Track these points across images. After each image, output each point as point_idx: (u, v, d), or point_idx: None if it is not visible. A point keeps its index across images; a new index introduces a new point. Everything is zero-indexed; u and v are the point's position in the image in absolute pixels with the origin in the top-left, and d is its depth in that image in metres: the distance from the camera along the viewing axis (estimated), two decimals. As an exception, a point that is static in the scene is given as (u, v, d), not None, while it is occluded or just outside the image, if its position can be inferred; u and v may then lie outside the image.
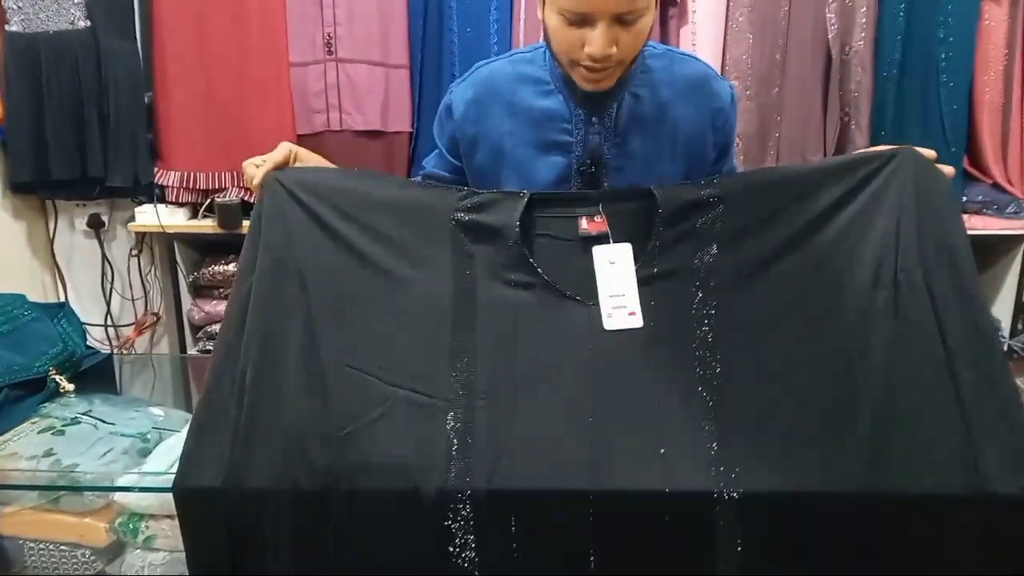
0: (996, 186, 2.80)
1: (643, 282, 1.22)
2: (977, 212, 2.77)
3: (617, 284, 1.21)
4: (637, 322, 1.19)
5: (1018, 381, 1.77)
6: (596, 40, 1.21)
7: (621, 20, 1.22)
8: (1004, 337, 2.84)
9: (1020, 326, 2.92)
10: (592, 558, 1.10)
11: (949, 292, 1.17)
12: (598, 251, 1.24)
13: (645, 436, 1.12)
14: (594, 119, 1.39)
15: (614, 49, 1.23)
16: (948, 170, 1.27)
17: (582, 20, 1.22)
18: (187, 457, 1.17)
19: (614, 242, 1.24)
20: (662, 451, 1.10)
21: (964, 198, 2.76)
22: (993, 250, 2.91)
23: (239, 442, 1.15)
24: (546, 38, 1.33)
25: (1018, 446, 1.10)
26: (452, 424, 1.14)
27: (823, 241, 1.21)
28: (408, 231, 1.25)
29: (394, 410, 1.15)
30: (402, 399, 1.16)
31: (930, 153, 1.27)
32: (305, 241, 1.25)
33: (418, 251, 1.24)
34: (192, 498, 1.16)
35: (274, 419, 1.16)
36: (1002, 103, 2.79)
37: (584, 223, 1.26)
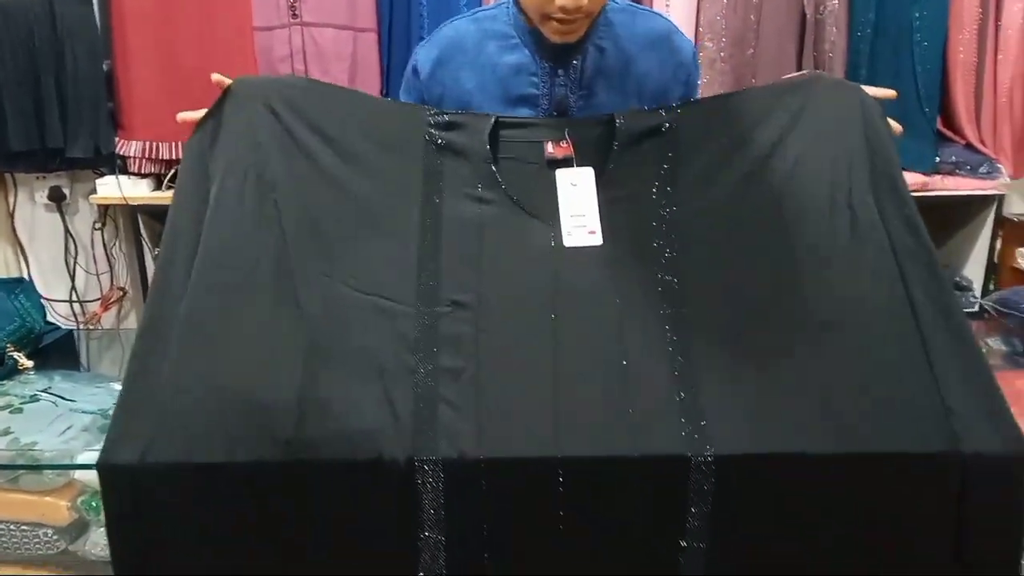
0: (969, 146, 2.81)
1: (604, 203, 1.25)
2: (950, 172, 2.77)
3: (578, 205, 1.25)
4: (596, 240, 1.23)
5: (989, 340, 1.80)
6: None
7: None
8: (976, 297, 2.85)
9: (992, 286, 2.94)
10: (560, 524, 1.08)
11: (896, 218, 1.21)
12: (561, 174, 1.27)
13: (610, 369, 1.13)
14: (560, 71, 1.41)
15: (585, 1, 1.26)
16: (886, 93, 1.33)
17: None
18: (113, 427, 1.10)
19: (578, 166, 1.27)
20: (630, 410, 1.10)
21: (937, 158, 2.76)
22: (966, 210, 2.92)
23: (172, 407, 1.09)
24: None
25: (982, 381, 1.12)
26: (418, 347, 1.13)
27: (777, 162, 1.25)
28: (378, 146, 1.27)
29: (362, 316, 1.16)
30: (371, 305, 1.17)
31: (876, 91, 1.32)
32: (278, 153, 1.24)
33: (387, 165, 1.26)
34: (113, 477, 1.07)
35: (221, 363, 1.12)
36: (975, 63, 2.79)
37: (550, 147, 1.29)
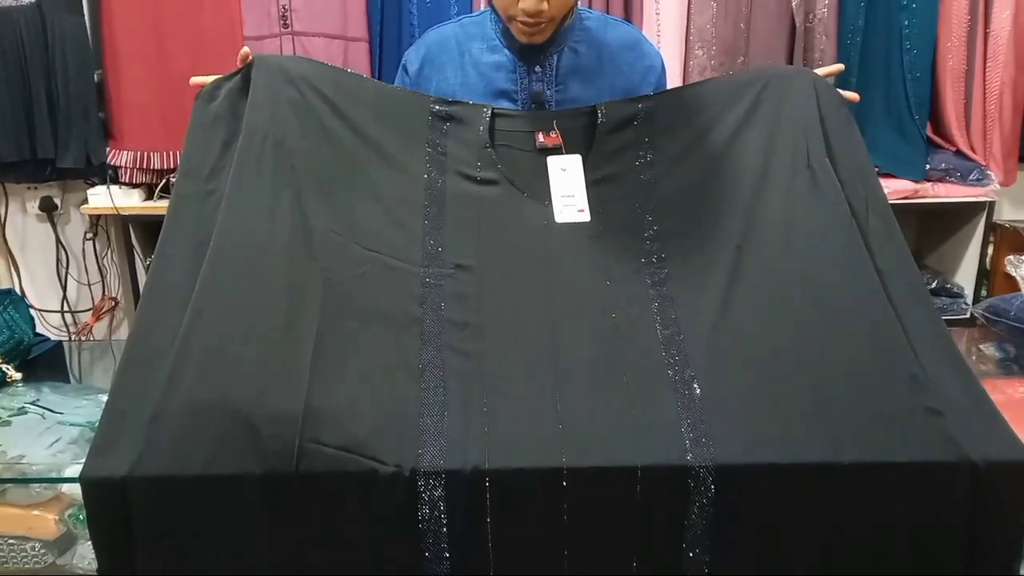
0: (959, 153, 2.82)
1: (590, 184, 1.37)
2: (940, 179, 2.78)
3: (568, 186, 1.37)
4: (585, 217, 1.34)
5: (982, 347, 1.79)
6: None
7: None
8: (967, 304, 2.86)
9: (985, 292, 2.94)
10: (564, 534, 1.07)
11: (849, 170, 1.33)
12: (552, 160, 1.39)
13: (604, 340, 1.20)
14: (536, 69, 1.57)
15: (545, 5, 1.41)
16: (836, 68, 1.52)
17: None
18: (98, 438, 1.09)
19: (566, 153, 1.40)
20: (624, 377, 1.16)
21: (928, 166, 2.77)
22: (957, 217, 2.93)
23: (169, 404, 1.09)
24: None
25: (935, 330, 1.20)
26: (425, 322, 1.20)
27: (742, 137, 1.37)
28: (386, 127, 1.37)
29: (373, 271, 1.24)
30: (380, 263, 1.25)
31: (833, 68, 1.52)
32: (296, 123, 1.32)
33: (394, 145, 1.36)
34: (98, 491, 1.06)
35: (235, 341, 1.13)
36: (965, 70, 2.80)
37: (541, 137, 1.41)
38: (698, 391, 1.13)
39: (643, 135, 1.39)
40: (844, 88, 1.47)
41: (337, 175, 1.31)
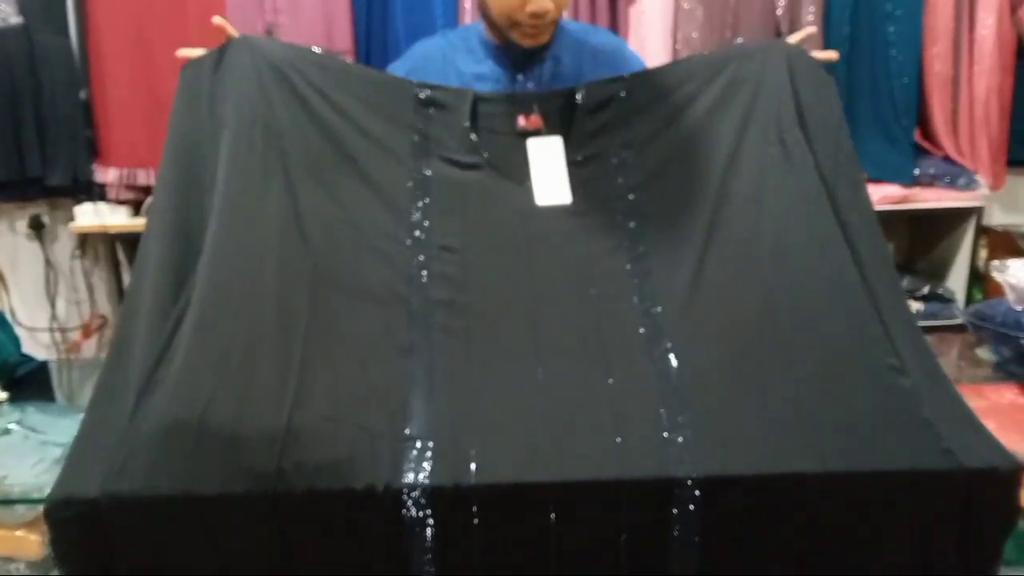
0: (947, 158, 2.82)
1: (570, 166, 1.38)
2: (929, 184, 2.78)
3: (548, 168, 1.39)
4: (566, 199, 1.36)
5: (978, 351, 1.78)
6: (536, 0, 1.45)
7: None
8: (959, 309, 2.85)
9: (980, 295, 2.94)
10: (552, 549, 1.07)
11: (820, 140, 1.35)
12: (532, 142, 1.40)
13: (584, 321, 1.23)
14: (519, 78, 1.60)
15: (551, 5, 1.46)
16: (829, 55, 1.50)
17: None
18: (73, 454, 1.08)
19: (547, 135, 1.41)
20: (603, 351, 1.20)
21: (916, 171, 2.77)
22: (947, 222, 2.93)
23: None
24: (483, 7, 1.55)
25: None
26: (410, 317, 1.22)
27: (716, 115, 1.39)
28: (370, 111, 1.37)
29: (360, 253, 1.27)
30: (367, 244, 1.28)
31: (806, 32, 1.53)
32: (283, 106, 1.33)
33: (379, 128, 1.36)
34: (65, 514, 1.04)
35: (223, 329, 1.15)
36: (952, 75, 2.81)
37: (522, 120, 1.42)
38: (674, 363, 1.17)
39: (622, 115, 1.41)
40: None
41: (325, 158, 1.33)
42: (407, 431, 1.10)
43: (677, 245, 1.30)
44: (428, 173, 1.35)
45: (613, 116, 1.41)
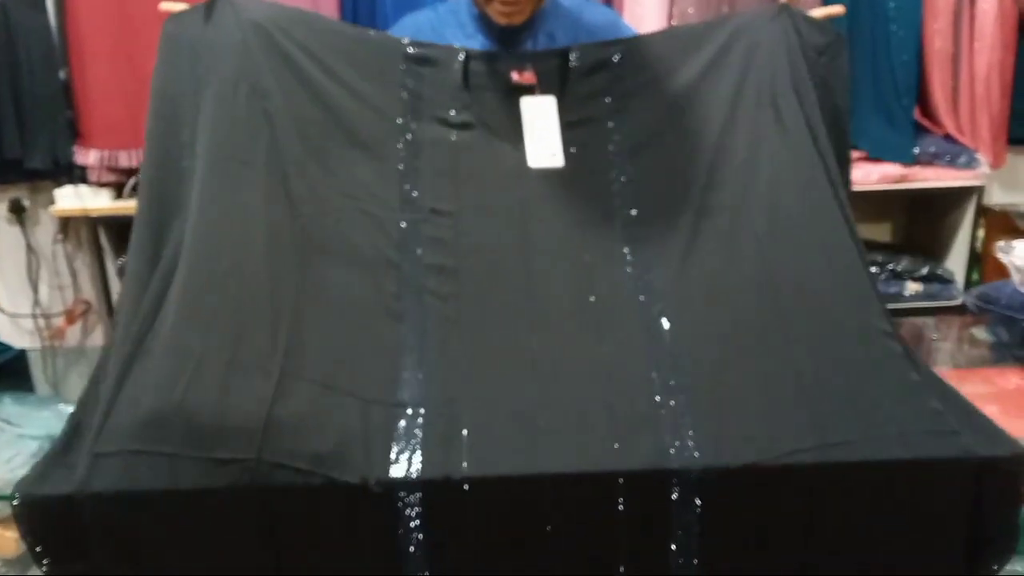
0: (948, 137, 2.79)
1: (564, 128, 1.36)
2: (929, 163, 2.75)
3: (541, 130, 1.36)
4: (558, 162, 1.34)
5: (974, 331, 1.76)
6: None
7: None
8: (958, 290, 2.82)
9: (977, 276, 2.92)
10: (546, 542, 1.04)
11: (812, 105, 1.32)
12: (525, 102, 1.37)
13: (577, 286, 1.23)
14: (510, 52, 1.55)
15: None
16: (833, 9, 1.45)
17: None
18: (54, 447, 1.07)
19: (541, 94, 1.38)
20: (595, 315, 1.20)
21: (916, 149, 2.73)
22: (946, 201, 2.90)
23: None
24: None
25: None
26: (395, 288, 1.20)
27: (711, 79, 1.37)
28: (359, 71, 1.35)
29: (349, 216, 1.25)
30: (356, 208, 1.26)
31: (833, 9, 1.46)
32: (269, 67, 1.29)
33: (368, 89, 1.34)
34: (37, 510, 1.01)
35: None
36: (952, 52, 2.77)
37: (515, 75, 1.39)
38: (666, 328, 1.18)
39: (616, 79, 1.39)
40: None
41: (312, 118, 1.30)
42: (398, 396, 1.10)
43: (671, 210, 1.30)
44: (419, 133, 1.33)
45: (607, 79, 1.39)
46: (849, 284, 1.20)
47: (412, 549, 1.03)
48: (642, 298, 1.21)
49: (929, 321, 1.97)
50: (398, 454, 1.03)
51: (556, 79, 1.39)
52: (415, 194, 1.29)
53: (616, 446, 1.05)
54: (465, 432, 1.06)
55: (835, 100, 1.38)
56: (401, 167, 1.30)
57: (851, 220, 1.26)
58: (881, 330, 1.16)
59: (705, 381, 1.11)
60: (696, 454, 1.03)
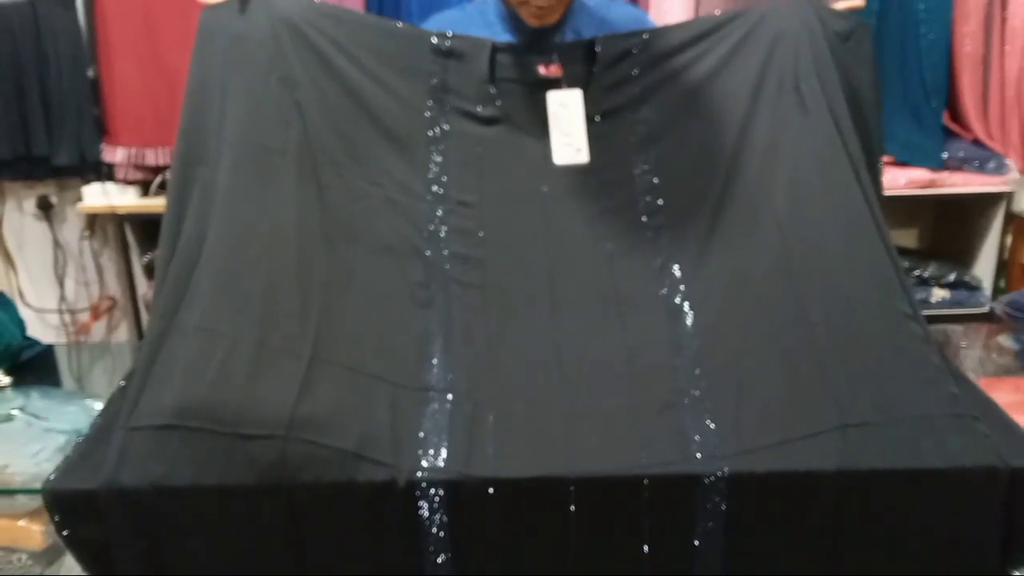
0: (977, 141, 2.74)
1: (590, 121, 1.37)
2: (958, 168, 2.71)
3: (567, 124, 1.37)
4: (583, 158, 1.35)
5: (1000, 339, 1.74)
6: None
7: None
8: (986, 297, 2.79)
9: (1003, 283, 2.87)
10: (570, 545, 1.05)
11: (835, 89, 1.32)
12: (552, 95, 1.38)
13: (600, 276, 1.25)
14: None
15: None
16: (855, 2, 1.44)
17: None
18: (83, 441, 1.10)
19: (567, 87, 1.38)
20: (617, 306, 1.21)
21: (945, 154, 2.69)
22: (974, 207, 2.86)
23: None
24: None
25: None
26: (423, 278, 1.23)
27: (733, 67, 1.37)
28: (387, 64, 1.36)
29: (375, 205, 1.28)
30: (384, 198, 1.29)
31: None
32: (299, 60, 1.31)
33: (396, 82, 1.36)
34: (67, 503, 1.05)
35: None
36: (982, 55, 2.73)
37: (541, 69, 1.41)
38: (689, 313, 1.20)
39: (640, 68, 1.39)
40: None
41: (342, 110, 1.32)
42: (425, 381, 1.13)
43: (694, 198, 1.31)
44: (446, 127, 1.35)
45: (631, 69, 1.40)
46: (871, 266, 1.20)
47: (433, 549, 1.04)
48: (665, 286, 1.23)
49: (956, 328, 1.95)
50: (425, 443, 1.04)
51: (582, 71, 1.40)
52: (442, 185, 1.31)
53: (639, 437, 1.06)
54: (491, 418, 1.08)
55: (858, 87, 1.38)
56: (428, 159, 1.32)
57: (874, 204, 1.25)
58: (903, 312, 1.15)
59: (727, 368, 1.12)
60: (718, 439, 1.04)
